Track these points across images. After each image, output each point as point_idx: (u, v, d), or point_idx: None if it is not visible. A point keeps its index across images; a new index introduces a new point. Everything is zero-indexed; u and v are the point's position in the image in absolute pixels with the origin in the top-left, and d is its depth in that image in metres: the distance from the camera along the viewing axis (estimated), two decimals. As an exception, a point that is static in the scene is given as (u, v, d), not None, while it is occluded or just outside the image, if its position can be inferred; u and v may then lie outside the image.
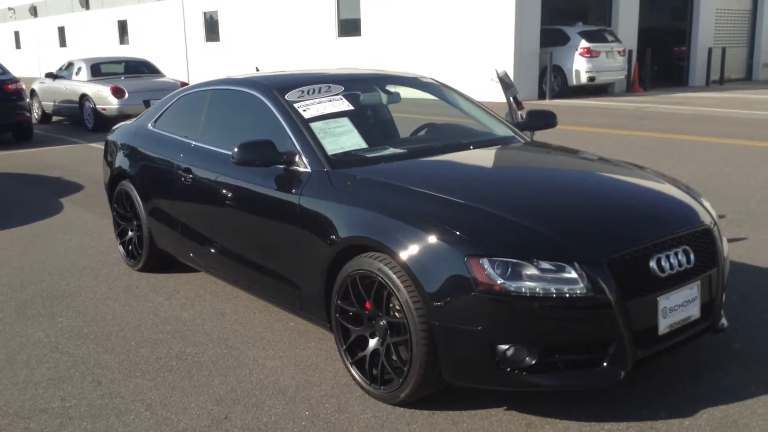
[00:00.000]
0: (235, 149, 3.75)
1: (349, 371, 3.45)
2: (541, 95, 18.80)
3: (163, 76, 15.38)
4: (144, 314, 4.53)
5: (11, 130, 12.92)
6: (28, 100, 12.92)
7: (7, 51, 46.74)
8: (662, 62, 23.49)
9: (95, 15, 36.60)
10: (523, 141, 4.45)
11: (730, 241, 5.60)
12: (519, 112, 5.34)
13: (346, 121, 4.03)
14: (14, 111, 12.40)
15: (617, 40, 19.39)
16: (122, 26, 34.80)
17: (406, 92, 4.93)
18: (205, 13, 28.66)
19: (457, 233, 2.99)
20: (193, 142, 4.63)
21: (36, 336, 4.24)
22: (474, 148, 4.13)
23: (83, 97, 14.09)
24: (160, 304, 4.70)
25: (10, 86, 12.37)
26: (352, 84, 4.49)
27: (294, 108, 4.03)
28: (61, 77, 15.21)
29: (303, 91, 4.17)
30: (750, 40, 24.91)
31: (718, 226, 3.46)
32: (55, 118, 16.29)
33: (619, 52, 19.19)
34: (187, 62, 29.81)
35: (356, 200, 3.41)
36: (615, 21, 20.45)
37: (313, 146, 3.79)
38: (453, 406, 3.24)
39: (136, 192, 5.15)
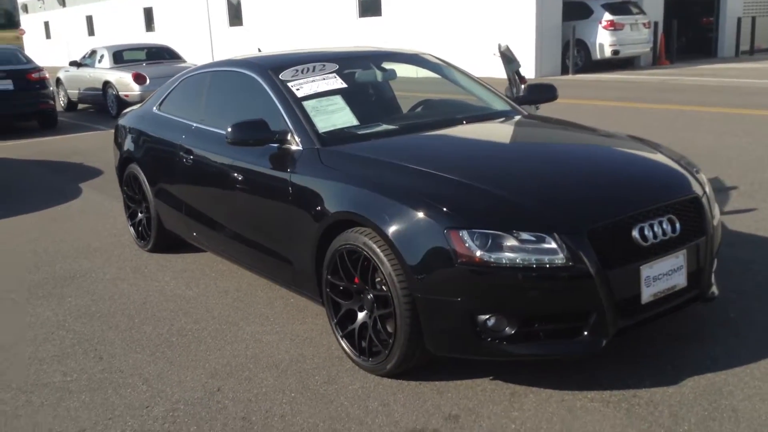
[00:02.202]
0: (229, 129, 3.81)
1: (340, 344, 3.51)
2: (565, 70, 18.60)
3: (184, 61, 15.52)
4: (150, 293, 4.65)
5: (36, 118, 13.18)
6: (52, 88, 13.13)
7: (38, 41, 47.48)
8: (690, 34, 23.07)
9: (122, 3, 36.96)
10: (520, 115, 4.44)
11: (739, 212, 5.55)
12: (522, 86, 5.32)
13: (338, 99, 4.06)
14: (38, 99, 12.64)
15: (642, 12, 19.06)
16: (148, 13, 35.11)
17: (404, 69, 4.95)
18: (228, -2, 28.78)
19: (438, 206, 3.02)
20: (194, 124, 4.71)
21: (45, 315, 4.38)
22: (467, 123, 4.14)
23: (106, 84, 14.30)
24: (167, 283, 4.81)
25: (33, 75, 12.61)
26: (348, 62, 4.52)
27: (287, 87, 4.07)
28: (85, 65, 15.44)
29: (297, 70, 4.21)
30: (782, 9, 24.28)
31: (708, 196, 3.43)
32: (80, 106, 16.55)
33: (644, 24, 18.87)
34: (212, 47, 30.01)
35: (344, 176, 3.45)
36: (640, -8, 20.08)
37: (304, 124, 3.84)
38: (439, 376, 3.29)
39: (143, 174, 5.26)
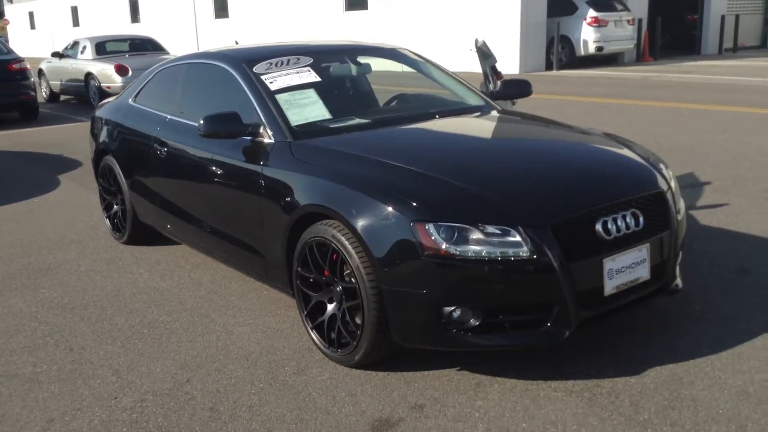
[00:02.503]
0: (201, 121, 3.82)
1: (310, 336, 3.54)
2: (549, 66, 18.67)
3: (168, 53, 15.45)
4: (123, 285, 4.66)
5: (17, 110, 13.08)
6: (33, 79, 13.04)
7: (23, 31, 47.05)
8: (675, 31, 23.20)
9: (107, -7, 36.67)
10: (493, 110, 4.48)
11: (711, 206, 5.63)
12: (498, 82, 5.35)
13: (311, 93, 4.08)
14: (19, 90, 12.54)
15: (626, 8, 19.16)
16: (133, 5, 34.86)
17: (383, 64, 4.97)
18: (213, -10, 28.61)
19: (405, 199, 3.06)
20: (169, 116, 4.71)
21: (17, 306, 4.37)
22: (440, 117, 4.17)
23: (88, 75, 14.22)
24: (141, 275, 4.82)
25: (14, 66, 12.51)
26: (322, 56, 4.53)
27: (260, 80, 4.08)
28: (67, 56, 15.34)
29: (271, 63, 4.22)
30: (764, 7, 24.49)
31: (673, 191, 3.49)
32: (62, 97, 16.44)
33: (628, 21, 18.98)
34: (197, 39, 29.86)
35: (314, 170, 3.47)
36: (624, -11, 20.17)
37: (276, 117, 3.86)
38: (407, 367, 3.33)
39: (118, 166, 5.26)
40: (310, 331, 3.53)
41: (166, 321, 4.05)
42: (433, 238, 2.94)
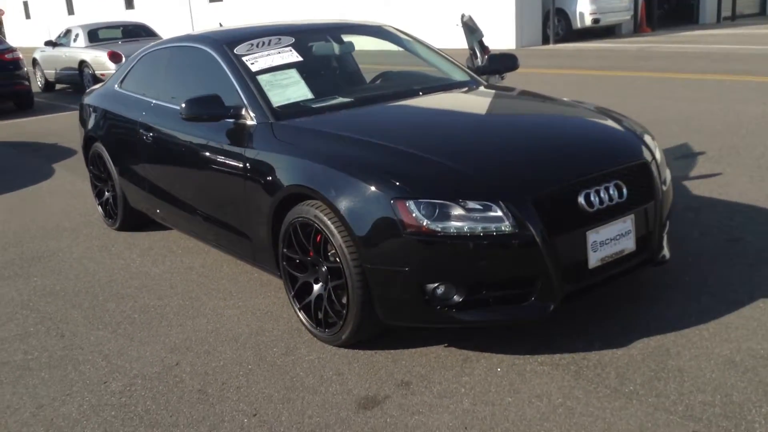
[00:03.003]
0: (182, 105, 3.80)
1: (298, 316, 3.55)
2: (546, 40, 18.52)
3: (161, 39, 15.35)
4: (116, 271, 4.66)
5: (11, 100, 13.05)
6: (26, 69, 12.99)
7: (18, 21, 46.81)
8: (673, 1, 22.96)
9: (100, -19, 36.41)
10: (479, 85, 4.45)
11: (704, 176, 5.60)
12: (485, 57, 5.31)
13: (293, 73, 4.05)
14: (13, 80, 12.51)
15: (622, -21, 18.95)
16: (127, -9, 34.61)
17: (363, 41, 4.93)
18: (207, -27, 28.38)
19: (385, 177, 3.04)
20: (153, 101, 4.69)
21: (9, 295, 4.39)
22: (423, 94, 4.14)
23: (82, 63, 14.16)
24: (133, 261, 4.82)
25: (6, 56, 12.47)
26: (305, 35, 4.50)
27: (241, 61, 4.06)
28: (61, 45, 15.26)
29: (252, 44, 4.20)
30: (763, -27, 24.20)
31: (657, 161, 3.46)
32: (58, 86, 16.39)
33: (624, -8, 18.77)
34: (192, 24, 29.67)
35: (296, 150, 3.46)
36: (620, -41, 19.94)
37: (258, 98, 3.83)
38: (394, 345, 3.34)
39: (107, 153, 5.25)
40: (298, 311, 3.53)
41: (157, 305, 4.06)
42: (414, 215, 2.93)
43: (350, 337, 3.25)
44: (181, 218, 4.53)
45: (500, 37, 18.11)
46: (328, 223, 3.14)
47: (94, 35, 14.71)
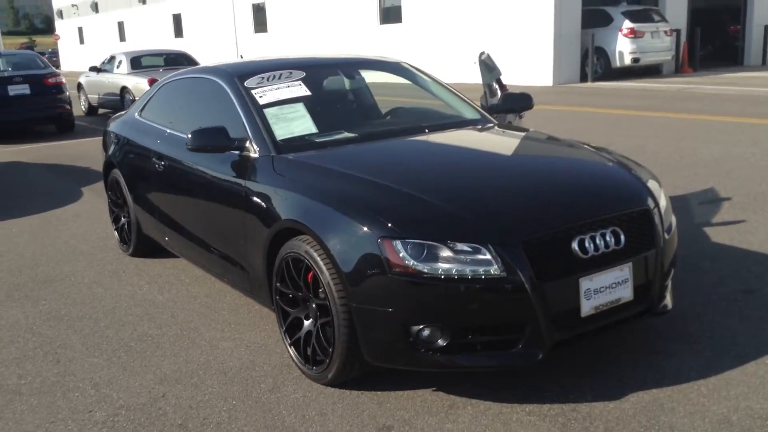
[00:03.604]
0: (189, 136, 3.84)
1: (288, 352, 3.51)
2: (584, 78, 18.41)
3: (201, 67, 15.66)
4: (122, 297, 4.69)
5: (53, 123, 13.41)
6: (68, 93, 13.35)
7: (73, 46, 48.43)
8: (717, 42, 22.69)
9: (152, 9, 37.58)
10: (489, 124, 4.41)
11: (727, 223, 5.45)
12: (499, 95, 5.27)
13: (300, 107, 4.07)
14: (54, 104, 12.88)
15: (664, 19, 18.82)
16: (177, 20, 35.63)
17: (378, 76, 4.95)
18: (253, 5, 29.08)
19: (374, 215, 3.01)
20: (168, 130, 4.75)
21: (16, 317, 4.44)
22: (429, 132, 4.11)
23: (123, 89, 14.50)
24: (140, 288, 4.85)
25: (50, 80, 12.86)
26: (316, 70, 4.53)
27: (250, 94, 4.09)
28: (104, 70, 15.69)
29: (263, 78, 4.23)
30: (811, 16, 23.75)
31: (660, 208, 3.36)
32: (100, 111, 16.81)
33: (665, 32, 18.63)
34: (237, 54, 30.30)
35: (292, 185, 3.45)
36: (663, 0, 19.83)
37: (262, 132, 3.85)
38: (383, 386, 3.27)
39: (123, 179, 5.33)
40: (288, 347, 3.50)
41: (155, 335, 4.06)
42: (400, 255, 2.88)
43: (336, 377, 3.20)
44: (187, 247, 4.56)
45: (537, 74, 18.08)
46: (318, 259, 3.12)
47: (137, 62, 15.08)
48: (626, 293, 3.13)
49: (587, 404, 3.04)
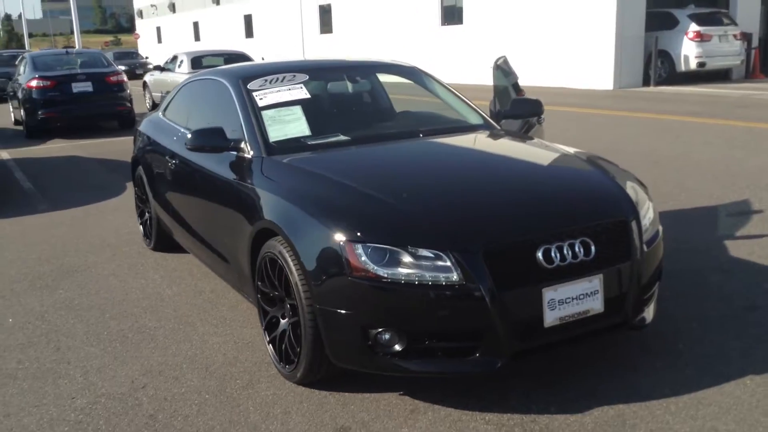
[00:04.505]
0: (188, 135, 3.97)
1: (268, 350, 3.59)
2: (647, 82, 17.91)
3: (259, 67, 16.00)
4: (133, 290, 4.87)
5: (114, 119, 13.94)
6: (129, 91, 13.85)
7: (151, 45, 50.10)
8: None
9: (225, 10, 38.51)
10: (490, 129, 4.38)
11: (750, 237, 5.25)
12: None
13: (297, 110, 4.13)
14: (115, 101, 13.37)
15: (733, 23, 18.12)
16: (248, 20, 36.42)
17: (391, 80, 4.98)
18: (320, 6, 29.46)
19: (339, 219, 3.05)
20: (182, 129, 4.90)
21: (31, 305, 4.67)
22: (423, 136, 4.13)
23: (183, 88, 14.93)
24: (152, 281, 5.03)
25: (111, 78, 13.37)
26: (320, 73, 4.59)
27: (251, 96, 4.19)
28: (167, 70, 16.21)
29: (266, 80, 4.32)
30: None
31: (639, 220, 3.27)
32: (163, 108, 17.34)
33: (734, 35, 17.92)
34: (304, 54, 30.76)
35: (273, 186, 3.53)
36: (734, 2, 19.10)
37: (256, 133, 3.94)
38: (351, 388, 3.30)
39: (145, 176, 5.53)
40: (268, 345, 3.57)
41: (153, 327, 4.21)
42: (361, 259, 2.92)
43: (304, 376, 3.26)
44: (191, 242, 4.70)
45: (597, 78, 17.71)
46: (288, 260, 3.18)
47: (198, 62, 15.51)
48: (596, 305, 3.07)
49: (548, 416, 3.00)
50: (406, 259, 2.90)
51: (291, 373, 3.33)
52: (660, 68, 17.81)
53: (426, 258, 2.90)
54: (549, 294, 2.95)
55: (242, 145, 3.94)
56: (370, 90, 4.89)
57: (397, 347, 2.95)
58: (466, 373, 2.99)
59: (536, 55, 19.32)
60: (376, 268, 2.90)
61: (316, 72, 4.55)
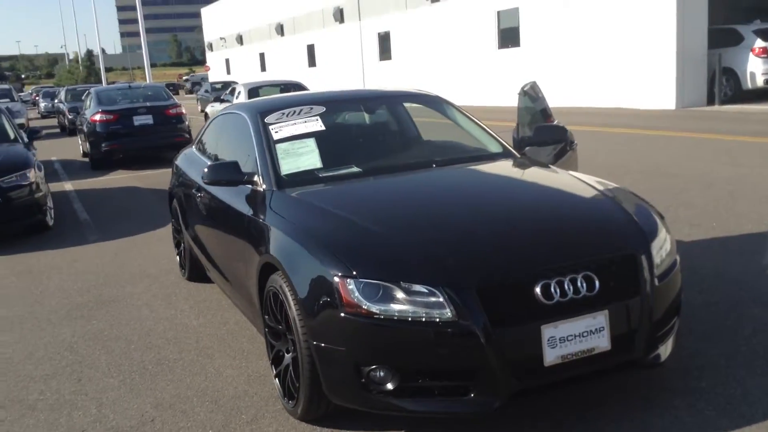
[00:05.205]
0: (205, 170, 4.04)
1: (275, 384, 3.57)
2: (711, 101, 17.34)
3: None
4: (161, 320, 4.95)
5: (173, 150, 14.32)
6: (188, 123, 14.24)
7: (221, 76, 51.61)
8: None
9: (289, 41, 39.39)
10: (509, 158, 4.30)
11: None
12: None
13: (311, 142, 4.14)
14: (174, 133, 13.76)
15: (803, 37, 17.37)
16: (310, 50, 37.12)
17: (425, 111, 4.95)
18: (379, 34, 29.79)
19: (334, 254, 3.02)
20: (209, 162, 4.98)
21: (63, 335, 4.80)
22: (437, 166, 4.08)
23: (240, 118, 15.28)
24: (181, 312, 5.10)
25: (171, 111, 13.80)
26: (337, 104, 4.61)
27: (267, 129, 4.23)
28: (226, 101, 16.62)
29: (283, 113, 4.36)
30: None
31: (650, 253, 3.12)
32: (223, 138, 17.79)
33: (805, 50, 17.16)
34: (364, 81, 31.11)
35: (278, 221, 3.53)
36: (805, 16, 18.36)
37: (268, 166, 3.97)
38: (354, 425, 3.25)
39: (178, 208, 5.64)
40: (274, 379, 3.56)
41: (173, 359, 4.26)
42: (354, 295, 2.88)
43: (305, 412, 3.22)
44: (214, 274, 4.76)
45: (658, 97, 17.25)
46: (288, 294, 3.17)
47: (254, 93, 15.86)
48: (602, 342, 2.94)
49: (550, 459, 2.87)
50: (400, 294, 2.85)
51: (293, 410, 3.31)
52: (725, 86, 17.21)
53: (420, 294, 2.84)
54: (549, 331, 2.84)
55: (255, 178, 3.98)
56: (388, 120, 4.87)
57: (390, 385, 2.88)
58: (462, 413, 2.89)
59: (594, 75, 19.00)
60: (369, 304, 2.85)
61: (334, 104, 4.57)
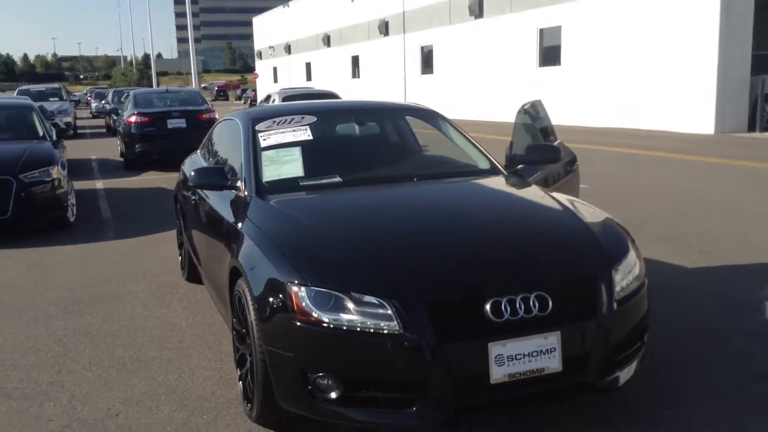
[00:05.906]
0: (191, 173, 4.11)
1: (239, 387, 3.61)
2: (752, 126, 16.95)
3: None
4: (152, 319, 5.04)
5: (205, 154, 14.59)
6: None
7: (268, 84, 52.38)
8: None
9: (335, 52, 39.81)
10: (494, 175, 4.28)
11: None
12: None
13: (296, 151, 4.19)
14: (206, 137, 13.99)
15: None
16: (355, 61, 37.45)
17: (418, 123, 4.97)
18: (422, 48, 29.89)
19: (289, 262, 3.05)
20: (206, 166, 5.08)
21: (55, 328, 4.92)
22: (417, 180, 4.08)
23: (273, 125, 15.49)
24: (174, 311, 5.18)
25: (204, 115, 14.06)
26: (329, 115, 4.65)
27: (256, 136, 4.29)
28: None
29: (275, 121, 4.42)
30: None
31: (612, 275, 3.07)
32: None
33: None
34: (405, 93, 31.23)
35: (250, 226, 3.58)
36: None
37: (251, 173, 4.03)
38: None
39: (180, 210, 5.75)
40: (238, 382, 3.59)
41: (152, 357, 4.33)
42: (304, 303, 2.90)
43: (259, 416, 3.25)
44: (202, 275, 4.83)
45: (697, 122, 16.93)
46: (249, 299, 3.20)
47: (289, 101, 16.06)
48: (552, 363, 2.90)
49: (492, 479, 2.84)
50: (350, 305, 2.86)
51: (250, 413, 3.34)
52: (767, 113, 16.81)
53: (370, 305, 2.84)
54: (496, 349, 2.82)
55: (238, 184, 4.03)
56: (379, 133, 4.89)
57: (334, 394, 2.89)
58: (405, 425, 2.88)
59: (633, 96, 18.75)
60: (319, 312, 2.87)
61: (326, 114, 4.61)
